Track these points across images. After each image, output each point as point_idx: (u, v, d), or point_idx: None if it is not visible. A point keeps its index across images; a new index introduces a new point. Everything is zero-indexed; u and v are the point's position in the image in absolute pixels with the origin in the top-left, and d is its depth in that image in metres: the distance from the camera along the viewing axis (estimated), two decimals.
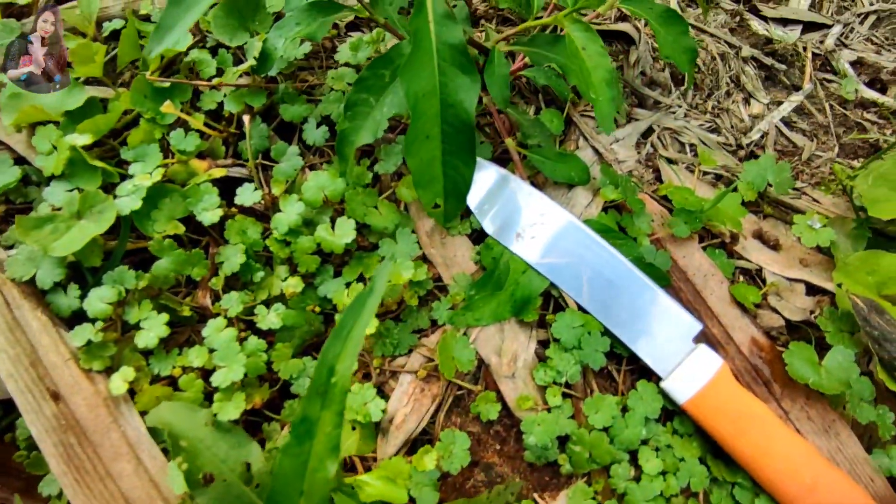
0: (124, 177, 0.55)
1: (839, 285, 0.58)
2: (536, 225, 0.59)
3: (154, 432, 0.47)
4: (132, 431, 0.46)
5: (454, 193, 0.44)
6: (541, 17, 0.50)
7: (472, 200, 0.60)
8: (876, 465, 0.53)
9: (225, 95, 0.61)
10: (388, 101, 0.50)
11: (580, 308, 0.58)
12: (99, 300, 0.49)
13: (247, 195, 0.56)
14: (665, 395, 0.54)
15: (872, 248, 0.63)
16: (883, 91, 0.86)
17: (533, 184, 0.65)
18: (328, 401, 0.26)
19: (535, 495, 0.51)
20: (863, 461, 0.53)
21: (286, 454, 0.26)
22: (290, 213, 0.55)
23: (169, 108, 0.55)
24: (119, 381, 0.46)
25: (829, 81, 0.87)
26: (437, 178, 0.43)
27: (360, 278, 0.56)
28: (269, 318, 0.53)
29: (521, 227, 0.59)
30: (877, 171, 0.61)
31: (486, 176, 0.60)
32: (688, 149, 0.75)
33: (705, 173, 0.73)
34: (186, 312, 0.52)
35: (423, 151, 0.41)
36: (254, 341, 0.51)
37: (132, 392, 0.48)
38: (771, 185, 0.69)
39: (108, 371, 0.48)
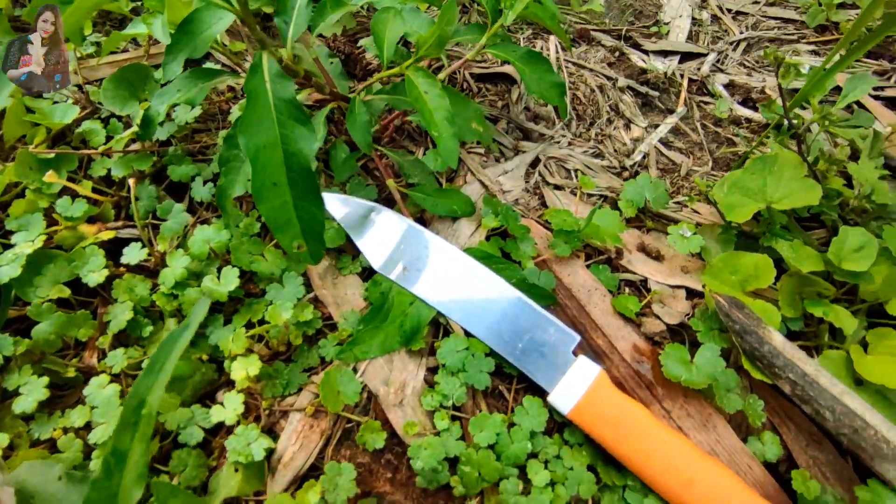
0: (8, 247, 0.57)
1: (704, 286, 0.62)
2: (421, 258, 0.62)
3: None
4: (7, 498, 0.46)
5: (311, 234, 0.47)
6: (392, 67, 0.55)
7: (359, 239, 0.63)
8: (752, 452, 0.55)
9: (113, 162, 0.64)
10: None
11: (467, 333, 0.60)
12: None
13: (133, 254, 0.58)
14: (552, 409, 0.56)
15: (741, 249, 0.68)
16: (754, 108, 0.94)
17: (420, 220, 0.68)
18: (138, 431, 0.28)
19: None
20: (740, 450, 0.56)
21: (95, 489, 0.27)
22: (175, 267, 0.57)
23: (52, 178, 0.57)
24: None
25: (707, 103, 0.94)
26: (292, 221, 0.46)
27: (249, 324, 0.58)
28: None
29: (407, 261, 0.62)
30: (730, 180, 0.66)
31: (368, 213, 0.64)
32: (573, 175, 0.80)
33: (590, 195, 0.78)
34: (71, 374, 0.53)
35: (273, 198, 0.44)
36: None
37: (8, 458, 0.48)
38: (649, 201, 0.74)
39: None
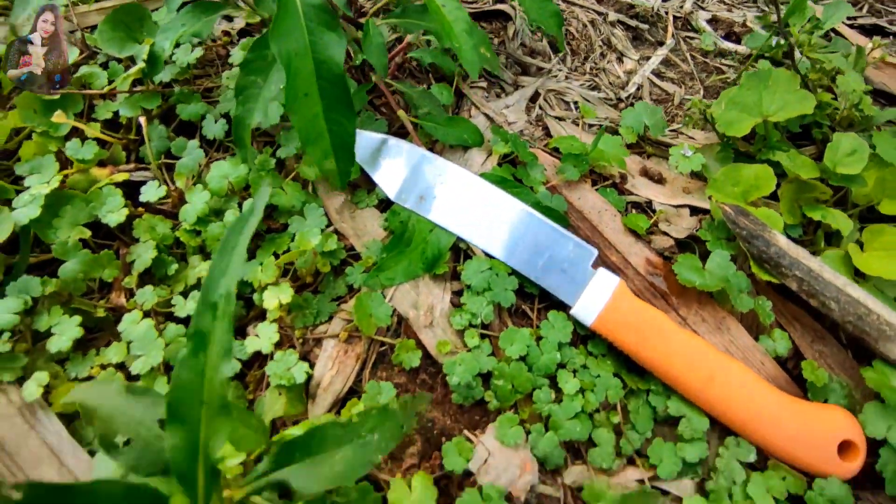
0: (22, 191, 0.55)
1: (709, 198, 0.65)
2: (437, 186, 0.63)
3: (76, 433, 0.47)
4: (52, 437, 0.46)
5: (342, 148, 0.47)
6: None
7: (373, 171, 0.64)
8: (763, 349, 0.59)
9: (120, 103, 0.62)
10: (274, 78, 0.53)
11: (487, 255, 0.62)
12: (4, 311, 0.48)
13: (151, 192, 0.57)
14: (576, 322, 0.59)
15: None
16: (738, 42, 0.97)
17: (431, 150, 0.69)
18: (219, 311, 0.28)
19: (466, 433, 0.53)
20: (752, 348, 0.59)
21: (183, 367, 0.28)
22: (196, 202, 0.57)
23: (61, 118, 0.56)
24: (33, 387, 0.46)
25: (691, 38, 0.96)
26: (323, 134, 0.46)
27: (275, 256, 0.58)
28: (188, 306, 0.54)
29: (424, 189, 0.63)
30: (727, 98, 0.69)
31: (381, 145, 0.64)
32: (573, 106, 0.81)
33: (590, 125, 0.79)
34: (101, 313, 0.53)
35: (304, 108, 0.44)
36: (172, 328, 0.52)
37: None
38: (648, 128, 0.76)
39: (22, 381, 0.48)
